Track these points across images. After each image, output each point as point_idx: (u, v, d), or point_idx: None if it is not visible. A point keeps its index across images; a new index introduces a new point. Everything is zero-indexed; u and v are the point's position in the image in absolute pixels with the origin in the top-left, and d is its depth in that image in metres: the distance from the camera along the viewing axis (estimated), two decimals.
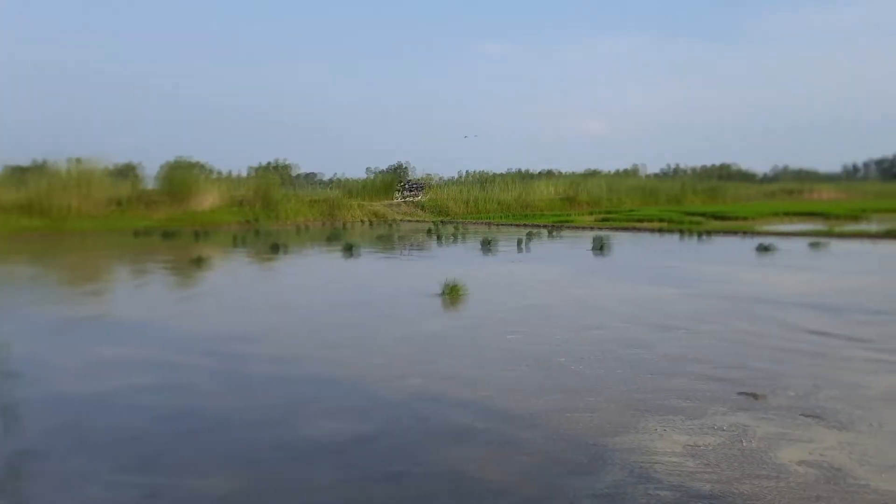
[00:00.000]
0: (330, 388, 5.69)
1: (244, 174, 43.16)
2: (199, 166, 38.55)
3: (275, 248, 18.28)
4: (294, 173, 58.84)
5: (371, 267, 15.14)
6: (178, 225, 29.51)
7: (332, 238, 22.18)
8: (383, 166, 54.44)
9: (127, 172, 35.82)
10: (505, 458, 4.15)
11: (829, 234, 20.01)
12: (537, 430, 4.57)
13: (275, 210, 34.10)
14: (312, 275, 14.53)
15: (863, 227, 23.57)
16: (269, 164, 54.11)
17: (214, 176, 40.35)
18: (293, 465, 4.13)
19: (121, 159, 38.36)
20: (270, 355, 6.83)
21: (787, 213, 32.82)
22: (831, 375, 5.62)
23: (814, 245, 17.06)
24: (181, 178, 32.85)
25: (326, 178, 59.46)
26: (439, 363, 6.43)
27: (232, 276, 14.29)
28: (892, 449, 4.08)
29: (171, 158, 34.61)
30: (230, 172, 42.77)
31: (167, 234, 24.65)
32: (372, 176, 47.40)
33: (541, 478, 3.85)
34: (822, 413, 4.73)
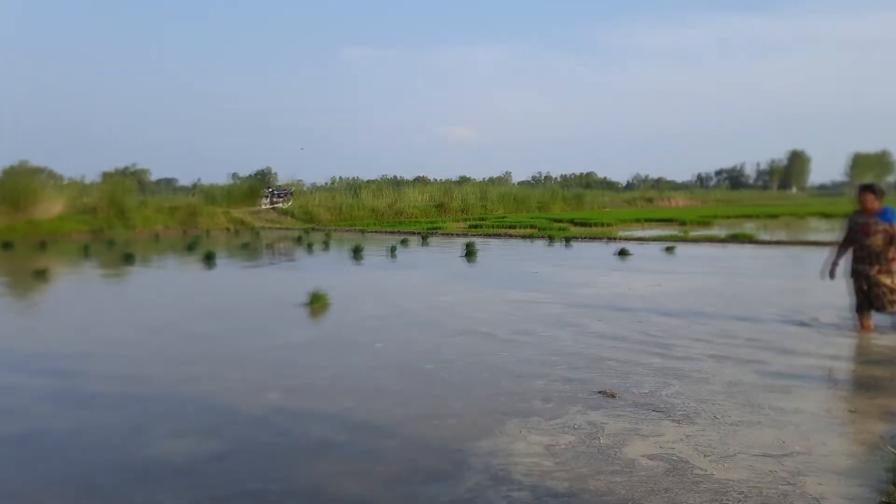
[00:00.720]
0: (181, 405, 5.38)
1: (97, 180, 40.52)
2: (44, 171, 35.90)
3: (127, 259, 17.21)
4: (152, 179, 56.11)
5: (233, 277, 14.60)
6: (19, 235, 27.21)
7: (191, 247, 21.21)
8: (248, 171, 52.84)
9: None
10: (365, 470, 4.05)
11: (683, 239, 21.34)
12: (400, 439, 4.50)
13: (128, 218, 32.14)
14: (168, 286, 13.83)
15: (714, 231, 25.31)
16: (125, 168, 51.23)
17: (66, 182, 37.73)
18: (138, 487, 3.84)
19: None
20: (115, 373, 6.39)
21: (645, 220, 34.73)
22: (678, 372, 5.92)
23: (668, 249, 18.11)
24: (22, 184, 30.30)
25: (188, 184, 57.06)
26: (301, 375, 6.24)
27: (78, 290, 13.31)
28: (731, 439, 4.31)
29: (15, 163, 32.04)
30: (83, 178, 40.10)
31: (7, 245, 22.66)
32: (236, 182, 45.79)
33: (400, 487, 3.78)
34: (670, 408, 4.95)
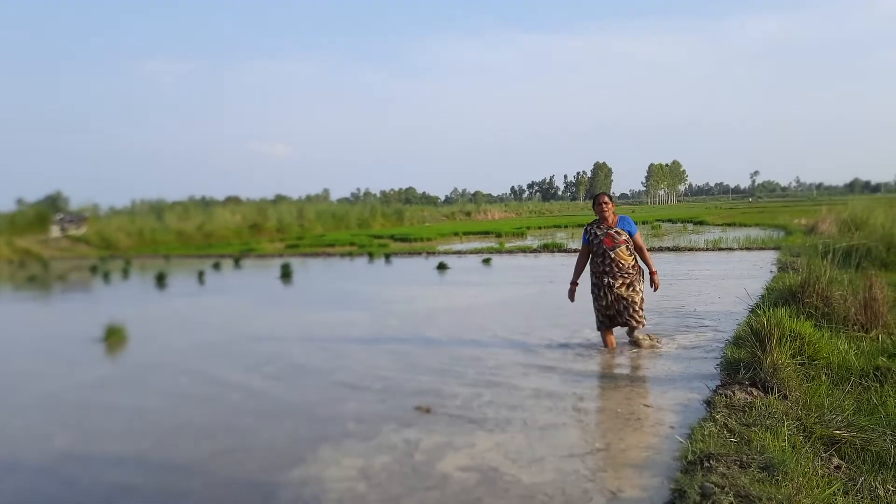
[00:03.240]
0: None
1: None
2: None
3: None
4: None
5: (16, 314, 13.10)
6: None
7: None
8: (37, 196, 47.93)
9: None
10: None
11: (499, 251, 22.13)
12: (203, 478, 4.18)
13: None
14: None
15: (528, 242, 26.52)
16: None
17: None
18: None
19: None
20: None
21: (464, 233, 35.72)
22: (489, 382, 6.03)
23: (485, 261, 18.69)
24: None
25: None
26: (94, 416, 5.68)
27: None
28: (538, 443, 4.43)
29: None
30: None
31: None
32: (22, 208, 41.20)
33: None
34: (482, 418, 5.01)
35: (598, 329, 7.05)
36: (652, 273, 6.98)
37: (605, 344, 7.00)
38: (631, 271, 6.85)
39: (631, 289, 6.83)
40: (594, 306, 7.00)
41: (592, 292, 7.00)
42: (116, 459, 4.59)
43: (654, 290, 7.00)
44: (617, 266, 6.80)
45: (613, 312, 6.87)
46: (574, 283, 7.14)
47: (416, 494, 3.73)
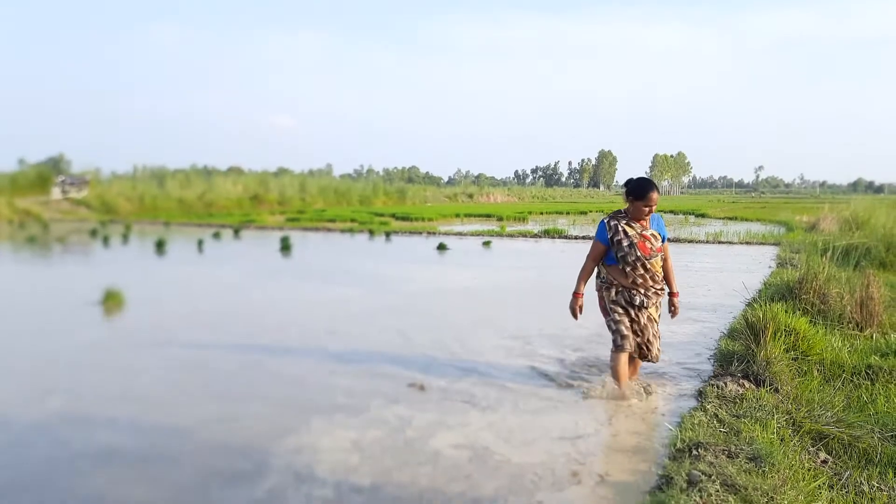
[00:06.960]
0: None
1: None
2: None
3: None
4: None
5: (14, 275, 13.12)
6: None
7: None
8: (38, 157, 47.84)
9: None
10: (155, 477, 3.75)
11: (500, 234, 22.13)
12: (194, 443, 4.23)
13: None
14: None
15: (529, 227, 26.51)
16: None
17: None
18: None
19: None
20: None
21: (465, 215, 35.70)
22: (483, 363, 6.07)
23: (486, 244, 18.69)
24: None
25: None
26: (87, 378, 5.72)
27: None
28: (530, 425, 4.47)
29: None
30: None
31: None
32: (23, 168, 41.09)
33: (195, 492, 3.55)
34: (474, 398, 5.05)
35: (618, 349, 5.04)
36: (671, 294, 5.22)
37: (618, 377, 5.06)
38: (661, 288, 5.13)
39: (657, 311, 5.18)
40: (614, 323, 5.06)
41: (613, 309, 5.09)
42: (109, 421, 4.63)
43: (673, 316, 5.27)
44: (653, 280, 5.03)
45: (640, 341, 5.12)
46: (578, 294, 5.14)
47: (408, 469, 3.77)
